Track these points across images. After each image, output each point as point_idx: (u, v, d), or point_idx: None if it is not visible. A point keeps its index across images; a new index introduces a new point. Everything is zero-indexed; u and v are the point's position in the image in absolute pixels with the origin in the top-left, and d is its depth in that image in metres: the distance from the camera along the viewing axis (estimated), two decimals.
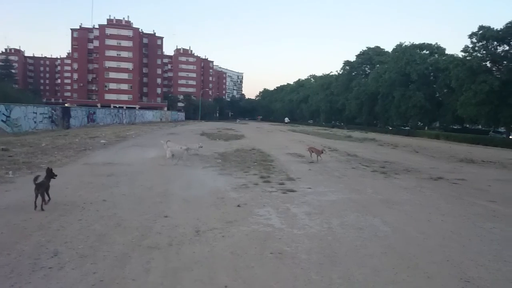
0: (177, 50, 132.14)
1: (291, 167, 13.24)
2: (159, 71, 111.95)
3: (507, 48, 41.45)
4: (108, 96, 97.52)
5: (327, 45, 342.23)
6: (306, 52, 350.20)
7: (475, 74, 40.86)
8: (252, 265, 4.59)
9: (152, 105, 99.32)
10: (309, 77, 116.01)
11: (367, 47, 76.39)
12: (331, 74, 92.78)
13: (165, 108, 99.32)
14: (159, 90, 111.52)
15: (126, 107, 76.76)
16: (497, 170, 15.52)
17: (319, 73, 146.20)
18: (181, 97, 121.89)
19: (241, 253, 4.96)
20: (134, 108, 78.72)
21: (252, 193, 8.67)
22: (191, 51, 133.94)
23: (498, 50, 41.91)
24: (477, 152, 24.98)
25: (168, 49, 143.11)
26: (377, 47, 75.20)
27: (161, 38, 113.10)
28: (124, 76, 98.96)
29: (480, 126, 55.85)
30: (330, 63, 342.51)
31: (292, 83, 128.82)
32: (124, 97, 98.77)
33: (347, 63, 79.49)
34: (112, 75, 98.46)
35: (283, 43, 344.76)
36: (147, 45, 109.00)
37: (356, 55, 77.80)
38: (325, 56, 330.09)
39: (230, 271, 4.41)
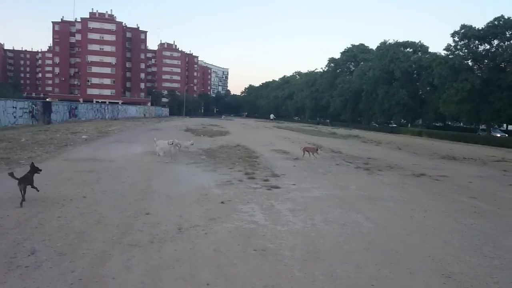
0: (161, 44, 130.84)
1: (276, 164, 13.23)
2: (142, 66, 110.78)
3: (488, 47, 42.36)
4: (91, 91, 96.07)
5: (312, 42, 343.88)
6: (292, 49, 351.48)
7: (457, 72, 41.63)
8: (235, 262, 4.54)
9: (136, 100, 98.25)
10: (295, 74, 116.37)
11: (351, 45, 77.08)
12: (316, 71, 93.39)
13: (149, 104, 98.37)
14: (142, 85, 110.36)
15: (109, 102, 75.72)
16: (478, 167, 15.83)
17: (304, 70, 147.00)
18: (165, 92, 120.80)
19: (224, 250, 4.90)
20: (117, 103, 77.73)
21: (236, 189, 8.62)
22: (176, 46, 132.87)
23: (480, 49, 42.82)
24: (458, 149, 25.46)
25: (152, 44, 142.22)
26: (362, 45, 75.86)
27: (145, 33, 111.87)
28: (107, 70, 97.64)
29: (461, 124, 57.06)
30: (315, 60, 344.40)
31: (277, 79, 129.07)
32: (107, 92, 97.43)
33: (331, 60, 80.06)
34: (95, 69, 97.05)
35: (269, 39, 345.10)
36: (130, 39, 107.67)
37: (340, 52, 78.53)
38: (310, 53, 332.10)
39: (213, 268, 4.36)
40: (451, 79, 42.26)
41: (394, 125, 59.21)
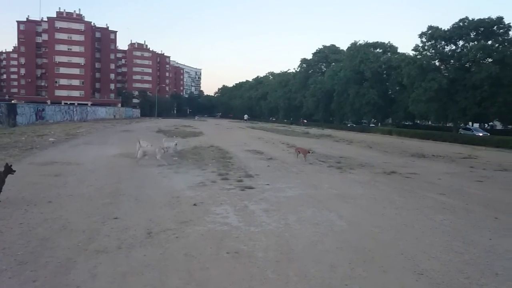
0: (132, 44, 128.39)
1: (250, 164, 13.16)
2: (112, 66, 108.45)
3: (453, 47, 43.85)
4: (59, 93, 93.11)
5: (285, 42, 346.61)
6: (265, 49, 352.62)
7: (425, 72, 42.87)
8: (207, 266, 4.42)
9: (105, 101, 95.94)
10: (268, 74, 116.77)
11: (323, 45, 78.11)
12: (289, 71, 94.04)
13: (119, 105, 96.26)
14: (112, 86, 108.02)
15: (78, 104, 73.73)
16: (446, 164, 16.28)
17: (277, 70, 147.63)
18: (136, 93, 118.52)
19: (195, 254, 4.76)
20: (86, 104, 75.86)
21: (210, 191, 8.48)
22: (147, 46, 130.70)
23: (446, 49, 44.27)
24: (427, 147, 26.15)
25: (123, 44, 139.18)
26: (333, 46, 76.99)
27: (115, 32, 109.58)
28: (76, 71, 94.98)
29: (430, 122, 58.79)
30: (288, 61, 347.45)
31: (251, 80, 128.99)
32: (76, 93, 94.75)
33: (304, 60, 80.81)
34: (63, 70, 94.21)
35: (241, 39, 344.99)
36: (100, 39, 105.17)
37: (312, 53, 79.40)
38: (283, 53, 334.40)
39: (183, 273, 4.22)
40: (419, 79, 43.46)
41: (373, 125, 60.18)
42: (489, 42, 40.38)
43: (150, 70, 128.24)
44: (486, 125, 52.74)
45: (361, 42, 62.33)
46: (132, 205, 7.07)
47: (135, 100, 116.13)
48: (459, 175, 12.68)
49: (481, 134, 39.09)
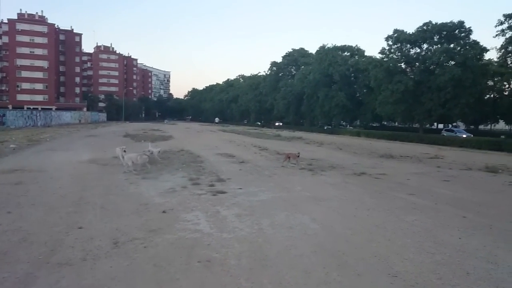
0: (98, 47, 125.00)
1: (221, 168, 12.97)
2: (77, 69, 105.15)
3: (418, 50, 45.34)
4: (21, 97, 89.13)
5: (256, 45, 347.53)
6: (234, 52, 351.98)
7: (391, 74, 44.12)
8: (177, 277, 4.22)
9: (70, 105, 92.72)
10: (238, 77, 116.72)
11: (292, 49, 78.80)
12: (259, 74, 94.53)
13: (85, 109, 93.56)
14: (78, 90, 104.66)
15: (41, 108, 70.88)
16: (414, 164, 16.68)
17: (248, 73, 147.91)
18: (103, 96, 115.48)
19: (165, 264, 4.56)
20: (50, 109, 73.00)
21: (180, 197, 8.24)
22: (113, 48, 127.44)
23: (411, 52, 45.72)
24: (395, 148, 26.81)
25: (88, 47, 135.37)
26: (302, 49, 77.83)
27: (80, 35, 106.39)
28: (39, 75, 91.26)
29: (396, 124, 60.41)
30: (259, 64, 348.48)
31: (221, 83, 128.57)
32: (39, 97, 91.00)
33: (274, 64, 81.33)
34: (25, 74, 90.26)
35: (211, 42, 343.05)
36: (64, 42, 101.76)
37: (282, 56, 79.93)
38: (253, 56, 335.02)
39: (152, 285, 4.02)
40: (386, 81, 44.67)
41: (341, 126, 60.68)
42: (452, 45, 42.00)
43: (117, 73, 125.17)
44: (472, 126, 54.34)
45: (330, 45, 63.59)
46: (98, 214, 6.75)
47: (101, 104, 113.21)
48: (427, 175, 12.99)
49: (464, 136, 38.83)
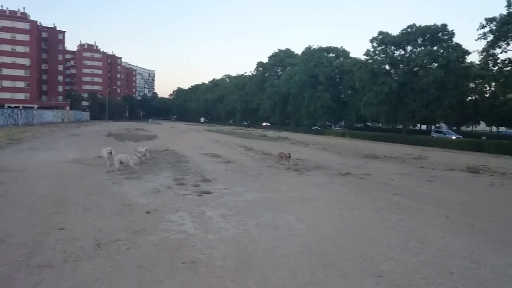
0: (81, 45, 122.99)
1: (207, 168, 12.88)
2: (60, 67, 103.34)
3: (402, 52, 45.95)
4: (2, 95, 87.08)
5: (241, 45, 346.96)
6: (220, 52, 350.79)
7: (376, 76, 44.57)
8: (161, 279, 4.15)
9: (53, 104, 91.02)
10: (224, 77, 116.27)
11: (278, 49, 78.91)
12: (245, 74, 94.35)
13: (68, 108, 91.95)
14: (60, 88, 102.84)
15: (23, 107, 69.30)
16: (398, 164, 16.88)
17: (234, 73, 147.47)
18: (86, 95, 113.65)
19: (148, 266, 4.47)
20: (32, 108, 71.42)
21: (164, 197, 8.14)
22: (97, 46, 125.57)
23: (396, 54, 46.30)
24: (379, 148, 27.10)
25: (71, 45, 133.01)
26: (288, 50, 78.09)
27: (63, 33, 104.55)
28: (20, 73, 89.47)
29: (380, 124, 61.06)
30: (245, 64, 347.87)
31: (207, 82, 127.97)
32: (20, 95, 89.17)
33: (260, 64, 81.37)
34: (6, 71, 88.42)
35: (197, 41, 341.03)
36: (46, 39, 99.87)
37: (268, 57, 79.97)
38: (239, 56, 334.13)
39: (135, 287, 3.94)
40: (370, 83, 45.11)
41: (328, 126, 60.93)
42: (435, 48, 42.68)
43: (100, 72, 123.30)
44: (454, 127, 55.13)
45: (315, 46, 63.80)
46: (80, 215, 6.60)
47: (84, 103, 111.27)
48: (411, 175, 13.15)
49: (454, 137, 38.81)
